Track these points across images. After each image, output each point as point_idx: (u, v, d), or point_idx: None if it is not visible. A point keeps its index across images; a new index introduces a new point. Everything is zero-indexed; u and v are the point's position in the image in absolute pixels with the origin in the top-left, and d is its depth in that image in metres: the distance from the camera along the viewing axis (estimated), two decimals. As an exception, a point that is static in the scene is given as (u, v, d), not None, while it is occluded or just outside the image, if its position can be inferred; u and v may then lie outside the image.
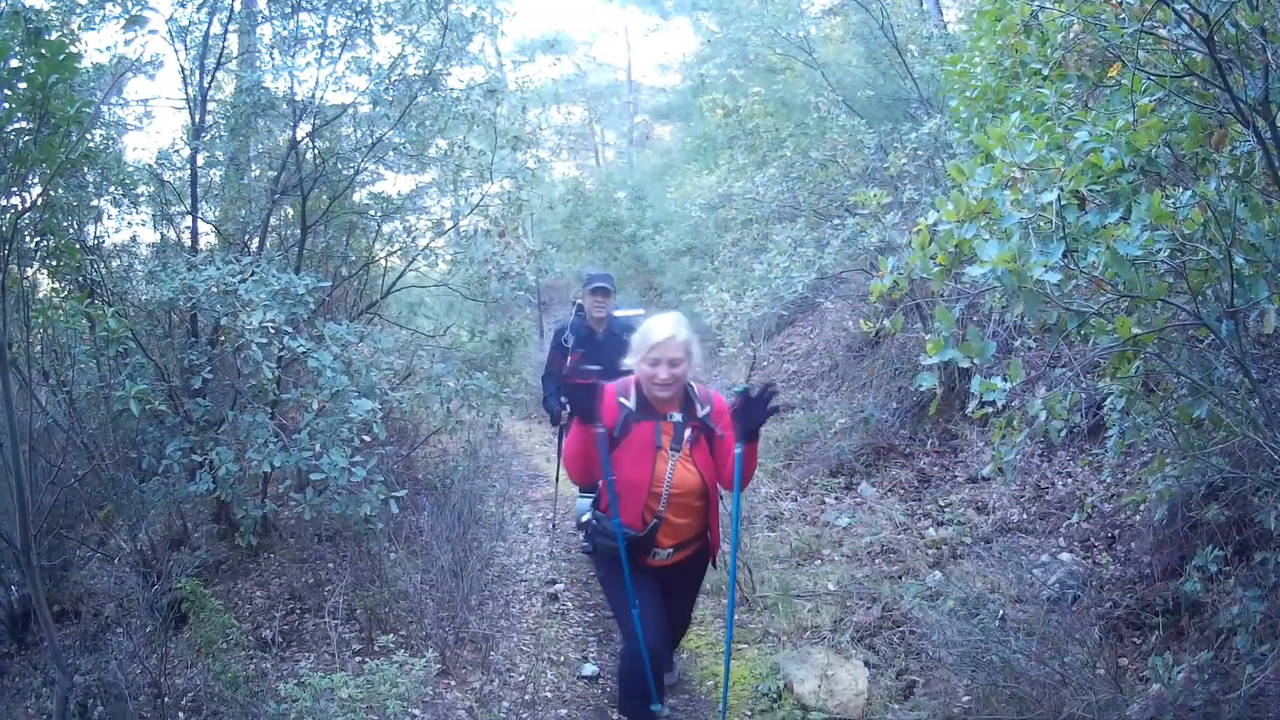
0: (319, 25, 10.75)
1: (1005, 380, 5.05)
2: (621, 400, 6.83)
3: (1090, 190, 4.90)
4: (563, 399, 11.44)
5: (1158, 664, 6.62)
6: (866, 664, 8.35)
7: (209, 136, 10.56)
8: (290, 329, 8.11)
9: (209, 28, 10.07)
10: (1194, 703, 6.12)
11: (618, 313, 11.53)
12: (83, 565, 9.75)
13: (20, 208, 7.02)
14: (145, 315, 9.68)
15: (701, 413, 6.86)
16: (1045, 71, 6.30)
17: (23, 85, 6.12)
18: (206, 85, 10.23)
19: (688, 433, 6.82)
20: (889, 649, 8.63)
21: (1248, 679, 5.90)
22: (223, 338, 9.65)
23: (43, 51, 6.09)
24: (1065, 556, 9.27)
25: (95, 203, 9.72)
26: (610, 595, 7.42)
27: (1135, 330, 4.85)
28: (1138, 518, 8.95)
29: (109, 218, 10.22)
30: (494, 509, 11.63)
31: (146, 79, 10.35)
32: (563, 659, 9.16)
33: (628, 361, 6.81)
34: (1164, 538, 8.17)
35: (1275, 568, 6.47)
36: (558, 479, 13.90)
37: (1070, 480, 10.68)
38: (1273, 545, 6.58)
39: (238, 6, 10.58)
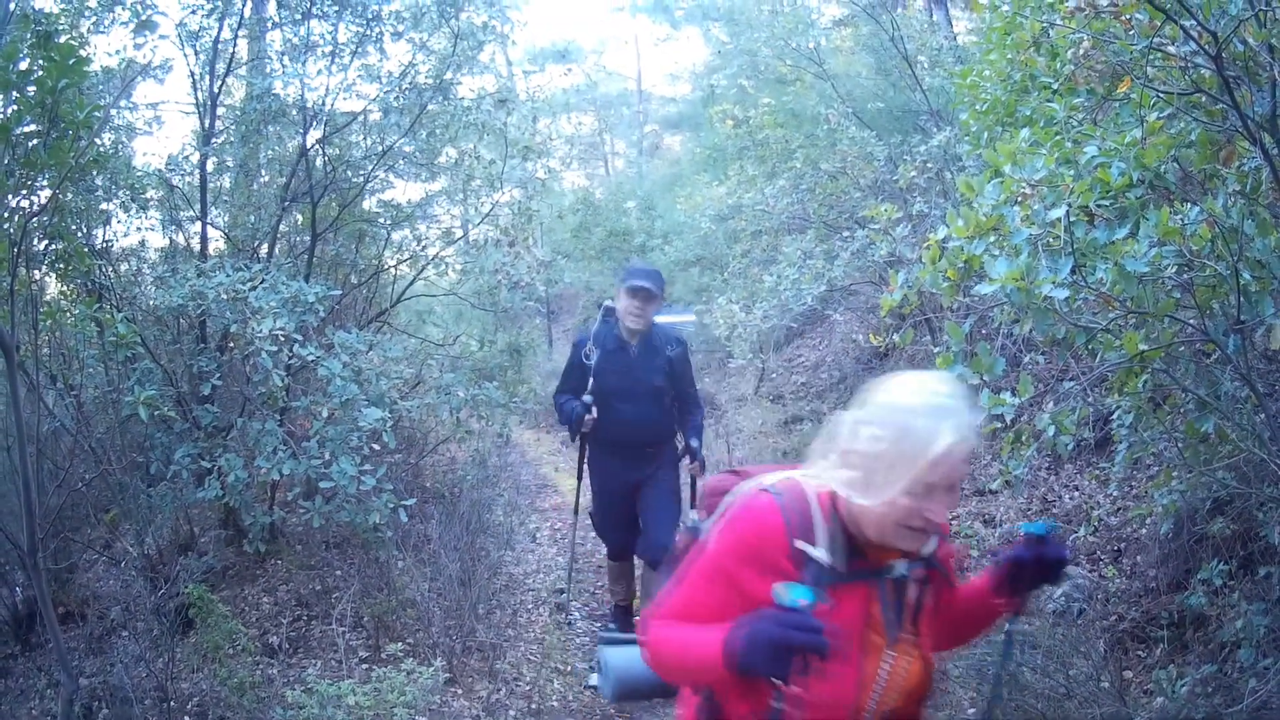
0: (330, 32, 10.79)
1: (1014, 395, 5.05)
2: (800, 546, 3.23)
3: (1099, 205, 4.91)
4: (587, 405, 8.72)
5: (1161, 677, 6.64)
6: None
7: (219, 142, 10.60)
8: (300, 337, 8.15)
9: (219, 33, 10.13)
10: (1197, 716, 6.13)
11: (660, 318, 9.20)
12: (89, 568, 9.78)
13: (30, 211, 7.05)
14: (154, 320, 9.70)
15: (929, 549, 3.42)
16: (1055, 86, 6.32)
17: (32, 89, 6.14)
18: (216, 91, 10.27)
19: (912, 590, 3.45)
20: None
21: (1250, 692, 5.91)
22: (232, 344, 9.68)
23: (53, 55, 6.11)
24: (1071, 569, 9.27)
25: (104, 206, 9.76)
26: None
27: (1142, 346, 4.86)
28: (1144, 531, 8.96)
29: (118, 221, 10.26)
30: (502, 518, 11.65)
31: (156, 83, 10.41)
32: (569, 668, 9.16)
33: (835, 476, 3.25)
34: (1170, 551, 8.18)
35: (1279, 582, 6.49)
36: (577, 509, 10.19)
37: (1077, 493, 10.68)
38: (1277, 560, 6.59)
39: (248, 12, 10.61)
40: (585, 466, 9.62)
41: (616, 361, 8.76)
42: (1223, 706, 6.09)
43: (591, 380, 8.74)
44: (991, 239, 4.78)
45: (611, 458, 9.23)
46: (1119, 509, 9.70)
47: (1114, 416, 7.04)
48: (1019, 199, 4.84)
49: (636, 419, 8.93)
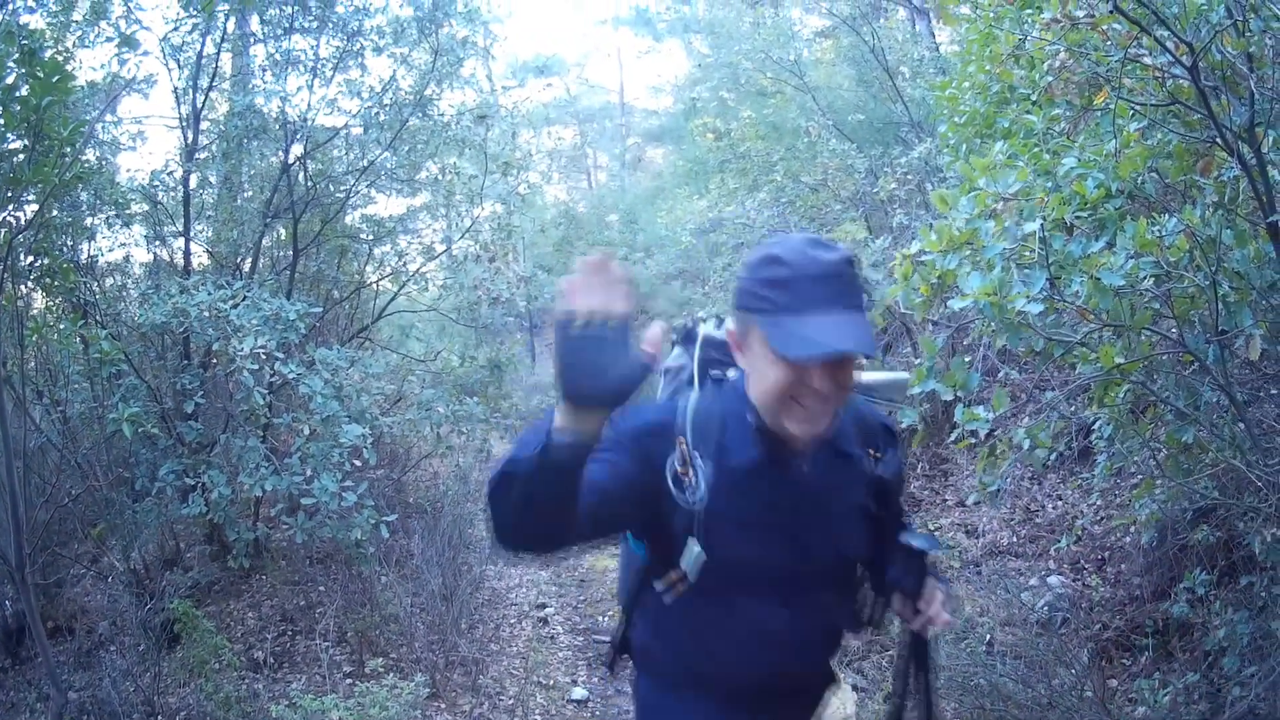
0: (312, 47, 10.82)
1: (988, 409, 5.06)
2: None
3: (1077, 217, 4.93)
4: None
5: (1144, 687, 6.66)
6: (854, 688, 8.30)
7: (202, 157, 10.59)
8: (281, 354, 8.15)
9: (202, 48, 10.11)
10: (1180, 724, 6.17)
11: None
12: (76, 583, 9.77)
13: (15, 226, 7.07)
14: (138, 337, 9.69)
15: None
16: (1033, 97, 6.34)
17: (17, 106, 6.16)
18: (200, 106, 10.27)
19: None
20: (877, 673, 8.60)
21: (1233, 700, 5.94)
22: (215, 361, 9.68)
23: (37, 72, 6.12)
24: (1054, 579, 9.29)
25: (89, 222, 9.75)
26: None
27: (1119, 359, 4.89)
28: (1127, 540, 8.98)
29: (102, 237, 10.27)
30: (484, 533, 11.59)
31: (140, 98, 10.39)
32: (552, 683, 9.15)
33: None
34: (1153, 560, 8.21)
35: (1262, 590, 6.52)
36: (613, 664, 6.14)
37: (1060, 503, 10.70)
38: (1259, 569, 6.62)
39: (231, 27, 10.61)
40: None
41: (763, 497, 3.24)
42: (1208, 714, 6.13)
43: (696, 550, 3.17)
44: (965, 253, 4.78)
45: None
46: (1102, 518, 9.73)
47: (1094, 427, 7.07)
48: (992, 213, 4.86)
49: (793, 637, 3.42)
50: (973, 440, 5.50)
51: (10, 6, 7.66)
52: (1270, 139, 4.62)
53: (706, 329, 3.66)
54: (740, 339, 3.13)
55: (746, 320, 3.04)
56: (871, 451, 3.38)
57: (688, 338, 3.72)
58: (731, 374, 3.36)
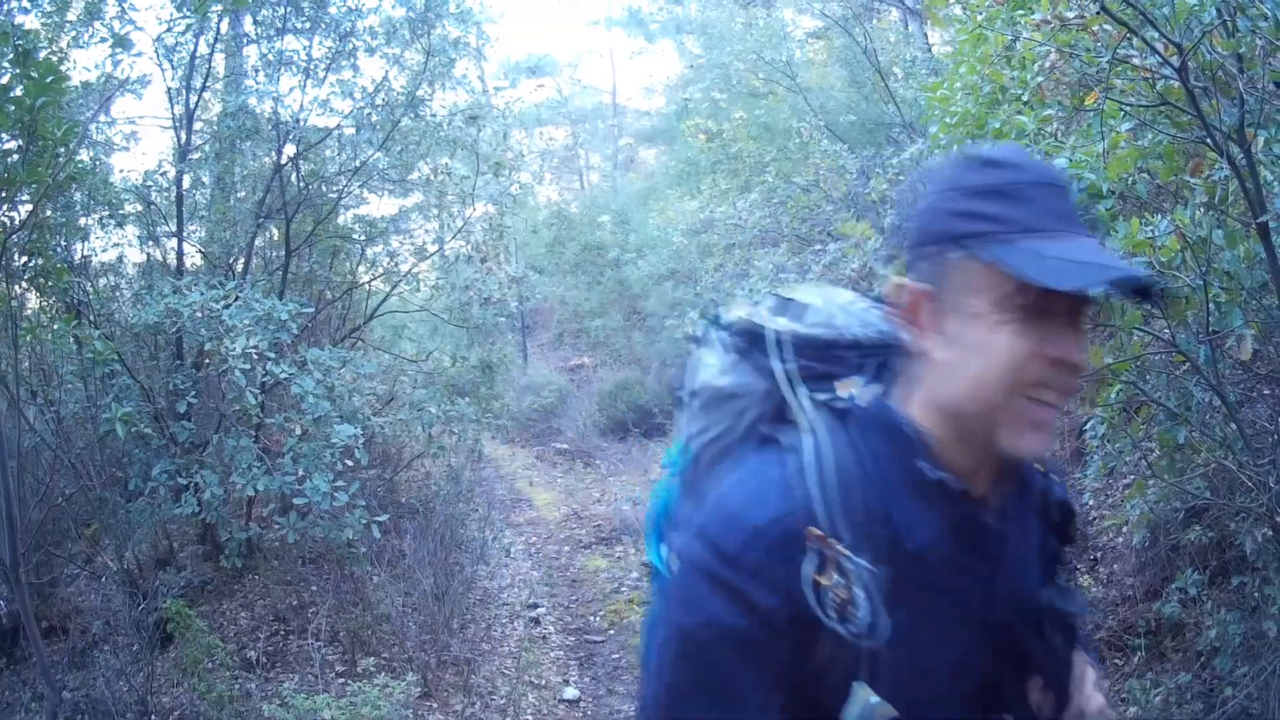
0: (304, 47, 10.81)
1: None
2: None
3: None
4: None
5: (1136, 687, 6.66)
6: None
7: (195, 157, 10.59)
8: (273, 354, 8.14)
9: (195, 48, 10.11)
10: (1172, 724, 6.17)
11: None
12: (70, 582, 9.76)
13: (10, 227, 7.06)
14: (132, 337, 9.69)
15: None
16: (1025, 98, 6.34)
17: (11, 106, 6.17)
18: (193, 106, 10.28)
19: None
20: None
21: (1222, 701, 5.95)
22: (207, 361, 9.67)
23: (31, 73, 6.12)
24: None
25: (82, 222, 9.74)
26: None
27: (1110, 359, 4.89)
28: (1119, 540, 8.97)
29: (96, 237, 10.26)
30: (476, 533, 11.62)
31: (134, 98, 10.39)
32: (544, 682, 9.16)
33: None
34: (1146, 560, 8.19)
35: (1254, 590, 6.52)
36: None
37: (1052, 504, 10.68)
38: (1251, 569, 6.62)
39: (224, 28, 10.61)
40: None
41: (959, 588, 1.96)
42: (1201, 714, 6.13)
43: (872, 701, 1.80)
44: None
45: None
46: (1094, 518, 9.73)
47: (1087, 427, 7.07)
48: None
49: None
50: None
51: (5, 7, 7.69)
52: (1260, 140, 4.62)
53: (774, 318, 2.16)
54: (935, 298, 1.87)
55: (948, 261, 1.85)
56: (1039, 465, 2.21)
57: (753, 341, 2.15)
58: (859, 391, 2.02)
